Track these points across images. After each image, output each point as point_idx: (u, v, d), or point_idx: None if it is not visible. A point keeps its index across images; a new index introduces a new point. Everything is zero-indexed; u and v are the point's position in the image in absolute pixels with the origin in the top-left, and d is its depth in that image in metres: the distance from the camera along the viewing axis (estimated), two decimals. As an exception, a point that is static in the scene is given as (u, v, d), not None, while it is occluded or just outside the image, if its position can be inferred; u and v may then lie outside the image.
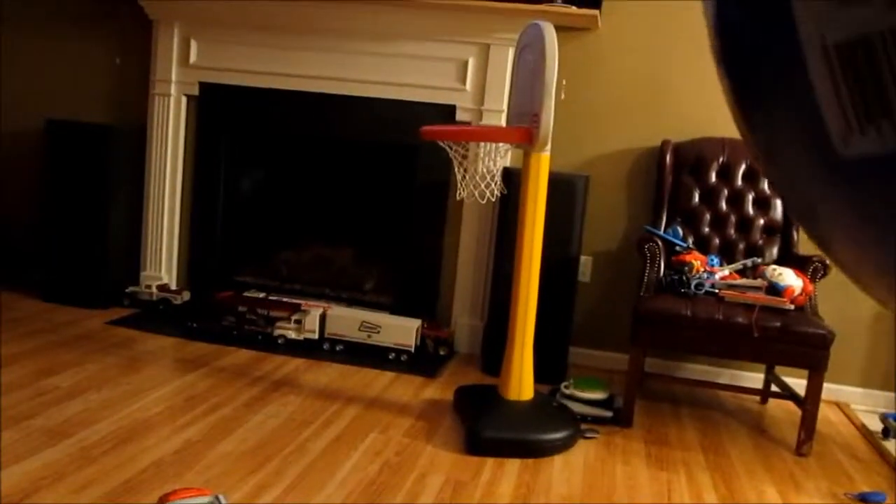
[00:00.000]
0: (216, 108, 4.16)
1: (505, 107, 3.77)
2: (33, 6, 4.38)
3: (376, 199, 4.31)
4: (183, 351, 3.55)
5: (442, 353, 3.80)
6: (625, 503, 2.50)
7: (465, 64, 3.81)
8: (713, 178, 3.62)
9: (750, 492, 2.67)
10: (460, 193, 3.04)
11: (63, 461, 2.39)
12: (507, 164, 3.73)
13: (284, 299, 4.02)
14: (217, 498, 1.87)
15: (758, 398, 3.69)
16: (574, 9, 3.59)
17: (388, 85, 3.90)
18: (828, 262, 3.25)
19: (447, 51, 3.82)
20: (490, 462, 2.69)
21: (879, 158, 0.41)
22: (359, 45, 3.91)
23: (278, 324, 3.81)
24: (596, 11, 3.60)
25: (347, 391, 3.25)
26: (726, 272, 3.35)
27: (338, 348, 3.75)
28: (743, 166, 3.60)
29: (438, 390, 3.37)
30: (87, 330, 3.70)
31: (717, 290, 3.20)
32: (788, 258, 3.46)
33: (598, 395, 3.21)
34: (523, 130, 2.77)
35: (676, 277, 3.24)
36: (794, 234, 3.53)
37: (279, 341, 3.75)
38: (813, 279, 3.24)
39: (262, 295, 4.10)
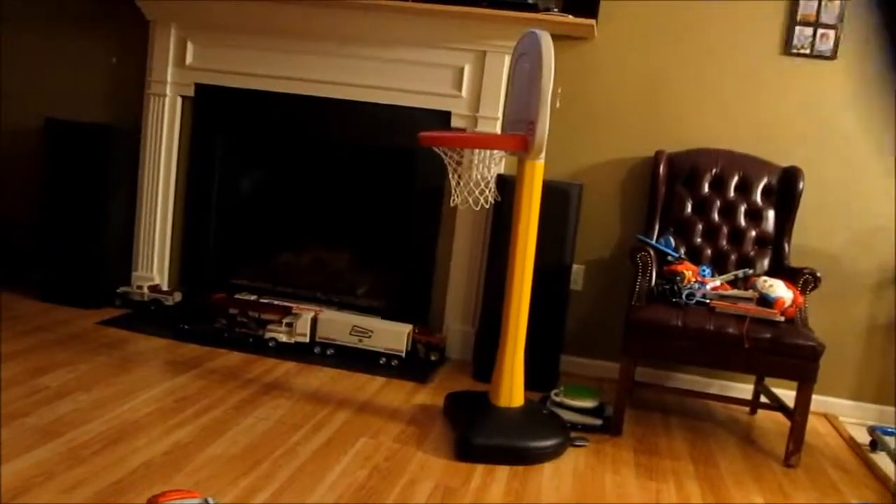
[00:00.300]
0: (212, 109, 4.16)
1: (500, 114, 3.78)
2: (33, 6, 4.37)
3: (370, 203, 4.31)
4: (174, 352, 3.54)
5: (433, 358, 3.80)
6: (613, 512, 2.51)
7: (462, 70, 3.82)
8: (706, 188, 3.64)
9: (739, 502, 2.68)
10: (454, 200, 3.05)
11: (53, 460, 2.38)
12: (502, 171, 3.74)
13: (276, 302, 4.01)
14: (206, 501, 1.86)
15: (747, 409, 3.70)
16: (571, 18, 3.60)
17: (383, 89, 3.91)
18: (818, 274, 3.27)
19: (444, 57, 3.83)
20: (480, 468, 2.70)
21: None
22: (354, 49, 3.91)
23: (269, 326, 3.80)
24: (592, 21, 3.62)
25: (338, 395, 3.25)
26: (718, 283, 3.36)
27: (329, 352, 3.75)
28: (736, 178, 3.62)
29: (429, 396, 3.37)
30: (79, 330, 3.69)
31: (708, 301, 3.21)
32: (779, 270, 3.48)
33: (588, 404, 3.22)
34: (519, 138, 2.78)
35: (668, 287, 3.26)
36: (786, 246, 3.54)
37: (270, 344, 3.75)
38: (803, 291, 3.25)
39: (253, 297, 4.09)
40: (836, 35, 3.60)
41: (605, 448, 3.02)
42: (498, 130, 3.77)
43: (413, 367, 3.70)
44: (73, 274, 4.06)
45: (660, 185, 3.65)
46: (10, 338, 3.46)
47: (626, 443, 3.10)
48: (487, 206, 3.66)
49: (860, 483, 3.00)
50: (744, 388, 3.78)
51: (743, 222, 3.60)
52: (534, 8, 3.61)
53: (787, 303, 3.12)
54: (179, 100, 4.18)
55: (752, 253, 3.58)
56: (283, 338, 3.77)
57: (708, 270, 3.45)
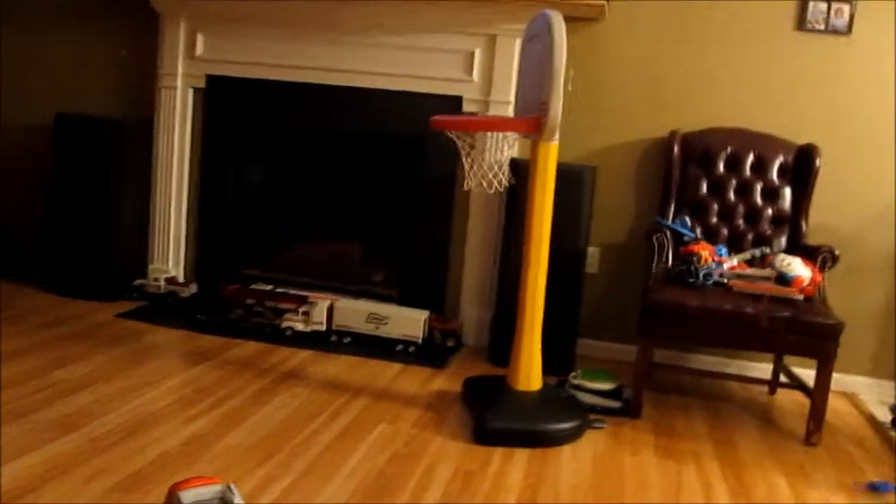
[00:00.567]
0: (223, 100, 4.16)
1: (512, 97, 3.75)
2: (39, 0, 4.38)
3: (383, 191, 4.30)
4: (191, 343, 3.55)
5: (449, 344, 3.80)
6: (634, 494, 2.50)
7: (472, 55, 3.80)
8: (721, 168, 3.61)
9: (759, 482, 2.67)
10: (468, 183, 3.03)
11: (72, 452, 2.39)
12: (515, 154, 3.72)
13: (292, 291, 4.02)
14: (228, 487, 1.87)
15: (766, 389, 3.67)
16: (581, -1, 3.57)
17: (393, 76, 3.89)
18: (836, 251, 3.24)
19: (454, 42, 3.81)
20: (499, 452, 2.69)
21: None
22: (364, 36, 3.90)
23: (286, 316, 3.81)
24: (604, 2, 3.58)
25: (355, 383, 3.25)
26: (735, 262, 3.34)
27: (345, 340, 3.75)
28: (751, 157, 3.58)
29: (446, 381, 3.37)
30: (96, 323, 3.71)
31: (725, 281, 3.19)
32: (796, 248, 3.44)
33: (606, 386, 3.21)
34: (532, 120, 2.77)
35: (684, 268, 3.23)
36: (803, 224, 3.51)
37: (287, 333, 3.76)
38: (822, 269, 3.22)
39: (269, 287, 4.10)
40: (850, 10, 3.55)
41: (624, 430, 3.01)
42: (510, 114, 3.74)
43: (429, 353, 3.70)
44: (85, 267, 4.07)
45: (674, 165, 3.62)
46: (28, 331, 3.48)
47: (645, 425, 3.09)
48: (501, 190, 3.64)
49: (881, 461, 2.98)
50: (762, 368, 3.75)
51: (759, 201, 3.57)
52: (543, -11, 3.58)
53: (806, 281, 3.09)
54: (191, 91, 4.18)
55: (768, 232, 3.55)
56: (300, 327, 3.78)
57: (724, 250, 3.42)
